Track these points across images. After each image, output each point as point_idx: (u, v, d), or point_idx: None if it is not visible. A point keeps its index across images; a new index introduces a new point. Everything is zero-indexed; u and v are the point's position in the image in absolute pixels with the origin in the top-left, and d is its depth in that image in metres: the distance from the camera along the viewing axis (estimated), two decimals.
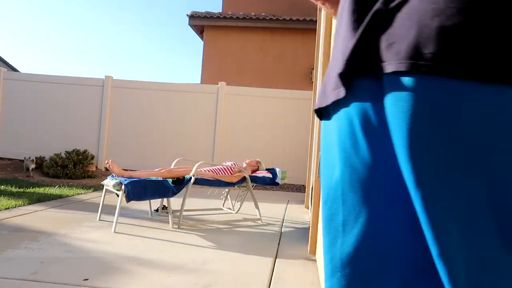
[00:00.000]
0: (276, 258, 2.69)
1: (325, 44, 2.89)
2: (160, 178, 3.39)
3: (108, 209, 3.77)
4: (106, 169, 7.38)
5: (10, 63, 14.21)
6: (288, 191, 6.58)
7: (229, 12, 9.38)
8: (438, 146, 0.40)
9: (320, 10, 4.57)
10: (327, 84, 0.55)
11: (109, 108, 7.63)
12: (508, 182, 0.38)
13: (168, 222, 3.51)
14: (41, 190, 5.03)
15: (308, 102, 7.06)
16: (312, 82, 7.82)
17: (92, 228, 3.22)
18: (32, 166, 6.65)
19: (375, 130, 0.48)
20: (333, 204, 0.52)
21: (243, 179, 3.79)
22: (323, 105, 0.56)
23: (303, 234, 3.42)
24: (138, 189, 3.16)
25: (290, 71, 9.06)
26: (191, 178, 3.44)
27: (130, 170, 3.80)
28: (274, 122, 7.34)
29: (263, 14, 9.22)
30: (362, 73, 0.48)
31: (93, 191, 5.32)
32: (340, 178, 0.51)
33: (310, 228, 2.83)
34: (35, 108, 7.74)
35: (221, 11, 10.03)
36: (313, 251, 2.77)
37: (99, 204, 3.66)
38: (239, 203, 4.28)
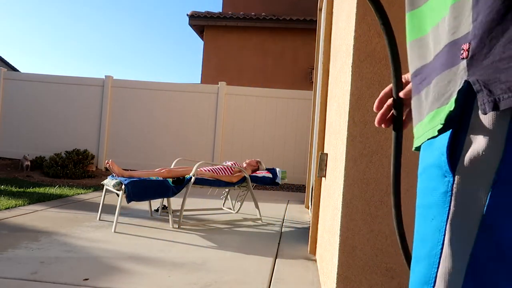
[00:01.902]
0: (276, 258, 2.69)
1: (325, 44, 2.89)
2: (160, 178, 3.39)
3: (108, 209, 3.77)
4: (106, 169, 7.39)
5: (10, 63, 14.21)
6: (288, 191, 6.58)
7: (229, 12, 9.38)
8: None
9: (320, 10, 4.57)
10: None
11: (109, 108, 7.63)
12: None
13: (168, 222, 3.51)
14: (41, 190, 5.03)
15: (308, 102, 7.07)
16: (312, 82, 7.82)
17: (92, 228, 3.22)
18: (26, 163, 6.73)
19: None
20: None
21: (243, 179, 3.79)
22: None
23: (303, 234, 3.42)
24: (139, 189, 3.16)
25: (290, 71, 9.07)
26: (191, 178, 3.44)
27: (130, 170, 3.80)
28: (274, 122, 7.34)
29: (263, 14, 9.22)
30: None
31: (93, 191, 5.32)
32: None
33: (310, 228, 2.83)
34: (35, 108, 7.74)
35: (221, 11, 10.03)
36: (313, 251, 2.77)
37: (99, 204, 3.66)
38: (239, 203, 4.28)
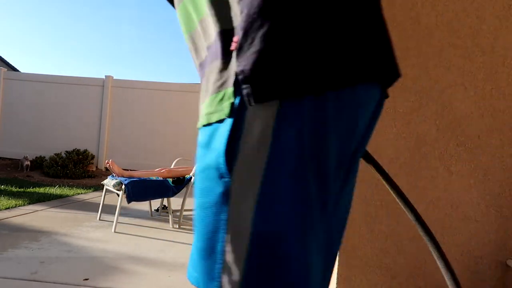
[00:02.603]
0: None
1: None
2: (160, 178, 3.39)
3: (108, 209, 3.77)
4: (106, 169, 7.39)
5: (10, 63, 14.22)
6: None
7: None
8: None
9: None
10: None
11: (109, 108, 7.63)
12: None
13: (168, 222, 3.51)
14: (41, 190, 5.03)
15: None
16: None
17: (92, 227, 3.22)
18: (26, 163, 6.75)
19: None
20: None
21: None
22: None
23: None
24: (139, 189, 3.16)
25: None
26: (191, 177, 3.44)
27: (130, 170, 3.80)
28: None
29: None
30: None
31: (93, 191, 5.32)
32: None
33: None
34: (35, 108, 7.74)
35: None
36: None
37: (99, 204, 3.66)
38: None
